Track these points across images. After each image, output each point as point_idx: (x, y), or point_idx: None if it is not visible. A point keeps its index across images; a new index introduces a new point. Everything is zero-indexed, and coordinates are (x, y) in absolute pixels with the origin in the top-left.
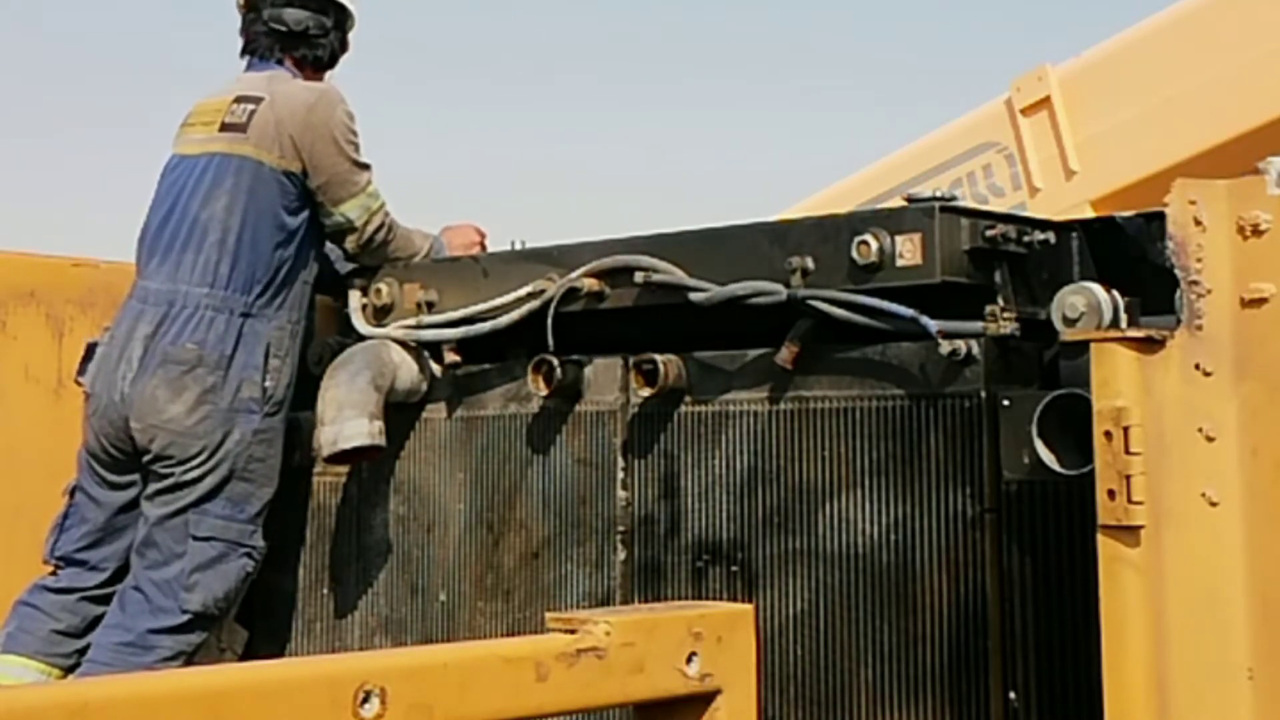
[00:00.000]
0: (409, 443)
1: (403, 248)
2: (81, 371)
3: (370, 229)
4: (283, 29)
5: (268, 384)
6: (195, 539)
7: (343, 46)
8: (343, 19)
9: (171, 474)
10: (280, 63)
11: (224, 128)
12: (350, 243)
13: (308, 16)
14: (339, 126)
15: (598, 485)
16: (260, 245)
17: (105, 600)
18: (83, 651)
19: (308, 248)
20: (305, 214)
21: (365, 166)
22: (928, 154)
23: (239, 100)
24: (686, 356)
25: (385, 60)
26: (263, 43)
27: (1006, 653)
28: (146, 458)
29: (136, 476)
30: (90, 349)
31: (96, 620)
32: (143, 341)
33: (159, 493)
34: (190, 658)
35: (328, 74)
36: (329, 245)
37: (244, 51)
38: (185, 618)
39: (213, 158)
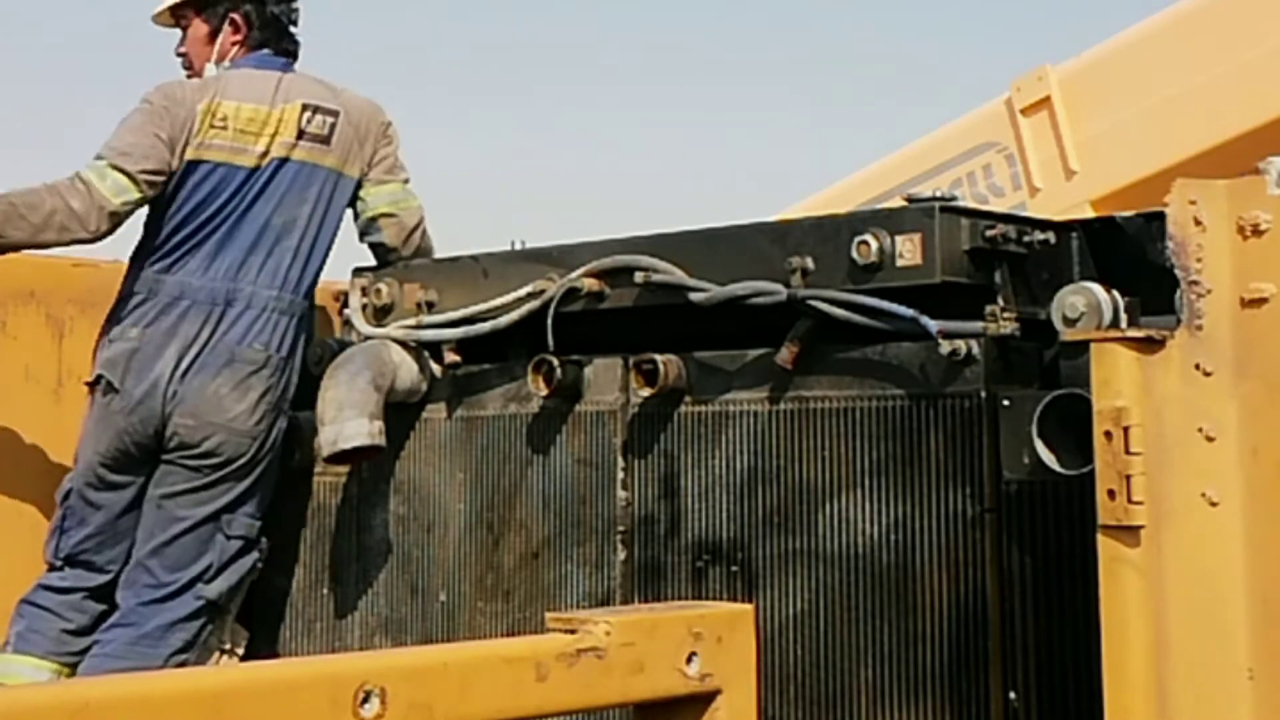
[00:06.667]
0: (409, 443)
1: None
2: (110, 370)
3: (412, 221)
4: (279, 20)
5: (295, 381)
6: (229, 537)
7: None
8: None
9: (212, 471)
10: (290, 55)
11: (305, 136)
12: (390, 232)
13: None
14: (396, 137)
15: (598, 485)
16: (325, 252)
17: (111, 597)
18: (91, 647)
19: None
20: None
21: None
22: (928, 154)
23: (313, 110)
24: (686, 356)
25: (385, 61)
26: (268, 36)
27: (1006, 653)
28: (184, 453)
29: (143, 477)
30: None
31: (104, 616)
32: (191, 337)
33: (193, 490)
34: (196, 648)
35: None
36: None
37: (253, 42)
38: (199, 604)
39: (285, 163)
